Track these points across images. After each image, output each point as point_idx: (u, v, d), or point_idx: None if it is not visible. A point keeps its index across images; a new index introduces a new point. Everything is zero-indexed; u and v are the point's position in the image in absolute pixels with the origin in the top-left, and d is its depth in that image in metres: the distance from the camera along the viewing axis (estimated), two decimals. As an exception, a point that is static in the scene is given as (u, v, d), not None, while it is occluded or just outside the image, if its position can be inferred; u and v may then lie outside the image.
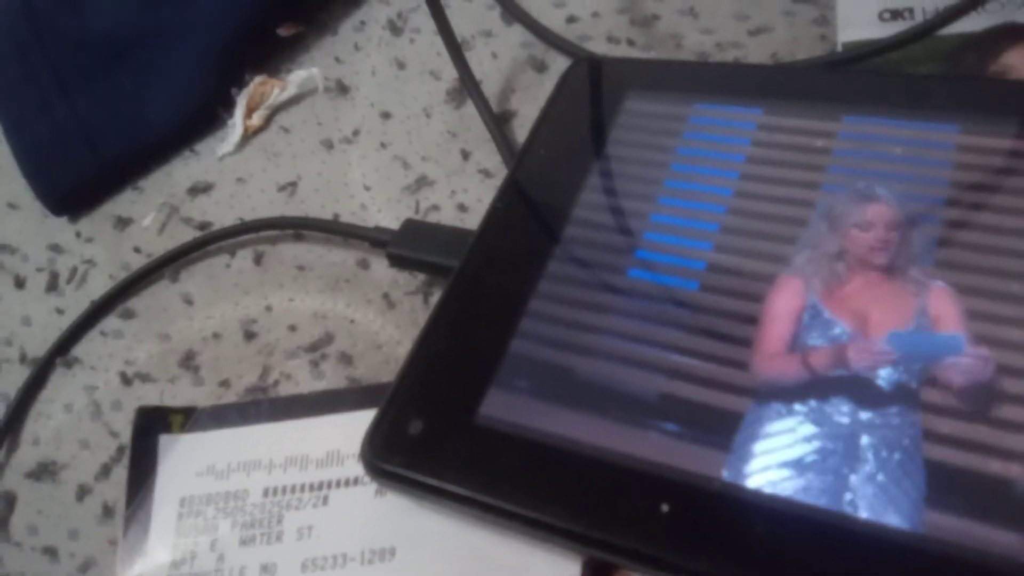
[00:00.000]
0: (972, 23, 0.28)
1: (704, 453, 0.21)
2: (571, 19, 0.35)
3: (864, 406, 0.21)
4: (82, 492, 0.28)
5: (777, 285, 0.23)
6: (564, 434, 0.22)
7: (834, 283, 0.23)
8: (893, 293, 0.23)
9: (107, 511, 0.27)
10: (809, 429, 0.21)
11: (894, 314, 0.22)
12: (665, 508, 0.20)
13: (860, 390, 0.21)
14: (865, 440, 0.20)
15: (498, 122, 0.32)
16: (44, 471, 0.29)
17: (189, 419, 0.27)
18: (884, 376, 0.21)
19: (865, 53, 0.29)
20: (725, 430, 0.21)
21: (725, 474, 0.21)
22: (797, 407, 0.21)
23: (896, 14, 0.30)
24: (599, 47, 0.34)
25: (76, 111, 0.36)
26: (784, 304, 0.23)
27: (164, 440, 0.27)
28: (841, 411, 0.21)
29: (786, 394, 0.21)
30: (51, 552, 0.27)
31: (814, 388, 0.21)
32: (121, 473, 0.27)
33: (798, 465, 0.20)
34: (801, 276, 0.23)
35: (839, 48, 0.30)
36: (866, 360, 0.21)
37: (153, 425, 0.27)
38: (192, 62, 0.36)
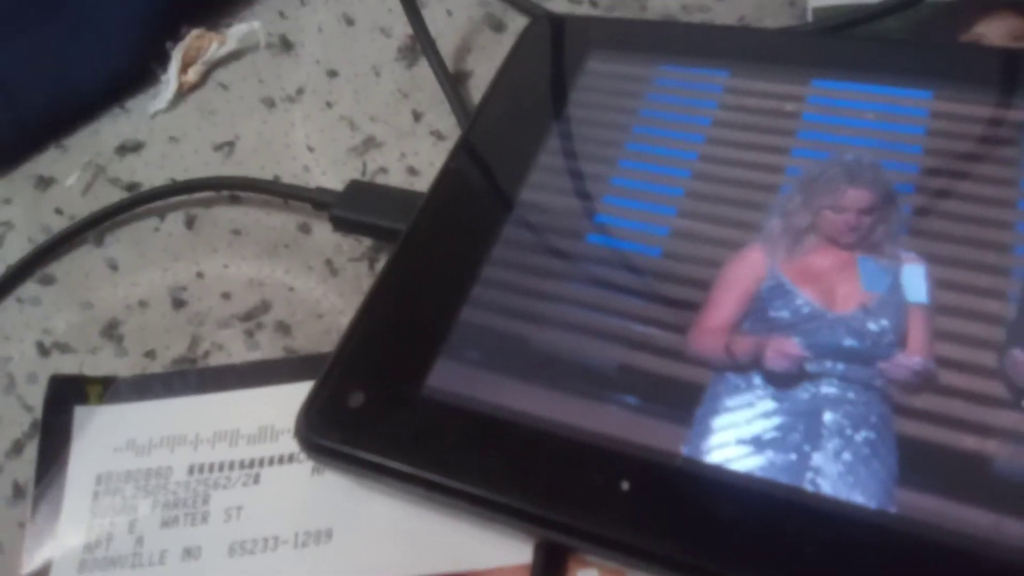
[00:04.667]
0: (944, -9, 0.27)
1: (667, 428, 0.20)
2: (531, -23, 0.33)
3: (828, 380, 0.20)
4: (-10, 471, 0.26)
5: (736, 256, 0.22)
6: (517, 408, 0.21)
7: (799, 253, 0.22)
8: (865, 265, 0.22)
9: (18, 491, 0.25)
10: (771, 404, 0.20)
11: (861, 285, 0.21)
12: (625, 486, 0.19)
13: (824, 363, 0.20)
14: (829, 416, 0.19)
15: (453, 82, 0.30)
16: (-51, 448, 0.26)
17: (108, 390, 0.25)
18: (849, 348, 0.20)
19: (844, 22, 0.28)
20: (687, 404, 0.20)
21: (687, 450, 0.19)
22: (758, 381, 0.20)
23: (868, -20, 0.29)
24: (560, 7, 0.32)
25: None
26: (737, 277, 0.22)
27: (80, 412, 0.25)
28: (804, 386, 0.20)
29: (746, 367, 0.20)
30: (-47, 536, 0.25)
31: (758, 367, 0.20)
32: (34, 451, 0.25)
33: (762, 442, 0.19)
34: (763, 246, 0.22)
35: (809, 14, 0.29)
36: (781, 362, 0.20)
37: (68, 395, 0.25)
38: (125, 14, 0.34)
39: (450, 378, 0.21)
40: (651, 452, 0.19)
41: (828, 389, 0.20)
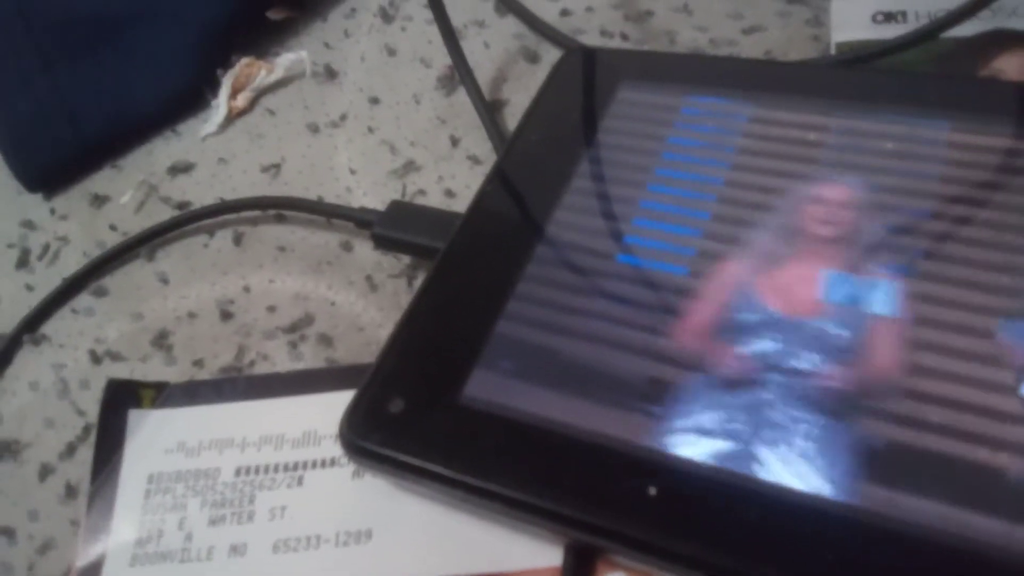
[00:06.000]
0: (963, 28, 0.28)
1: (692, 437, 0.21)
2: (565, 12, 0.35)
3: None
4: (45, 471, 0.27)
5: (717, 267, 0.24)
6: (550, 416, 0.22)
7: (769, 265, 0.23)
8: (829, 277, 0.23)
9: (70, 491, 0.26)
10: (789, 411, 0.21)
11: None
12: (653, 491, 0.20)
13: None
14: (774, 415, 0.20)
15: (489, 110, 0.32)
16: (6, 450, 0.27)
17: (160, 394, 0.26)
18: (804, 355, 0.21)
19: (865, 55, 0.29)
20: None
21: (711, 459, 0.20)
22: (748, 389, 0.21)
23: (889, 16, 0.30)
24: (592, 40, 0.34)
25: (58, 88, 0.35)
26: (716, 286, 0.23)
27: (133, 415, 0.26)
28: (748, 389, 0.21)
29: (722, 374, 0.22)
30: (8, 533, 0.26)
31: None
32: (86, 453, 0.26)
33: (782, 449, 0.20)
34: (739, 257, 0.24)
35: (832, 48, 0.30)
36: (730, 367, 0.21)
37: (123, 399, 0.26)
38: (179, 43, 0.35)
39: (486, 387, 0.22)
40: (677, 459, 0.20)
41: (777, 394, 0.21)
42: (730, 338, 0.22)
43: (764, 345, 0.22)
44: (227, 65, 0.35)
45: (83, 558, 0.24)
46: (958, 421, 0.20)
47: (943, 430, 0.20)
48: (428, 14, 0.33)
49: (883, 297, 0.22)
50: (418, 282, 0.29)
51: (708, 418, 0.21)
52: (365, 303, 0.29)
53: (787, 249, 0.24)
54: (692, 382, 0.22)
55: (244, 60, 0.35)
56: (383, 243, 0.28)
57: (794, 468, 0.20)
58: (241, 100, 0.35)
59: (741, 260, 0.24)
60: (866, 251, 0.23)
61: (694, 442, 0.21)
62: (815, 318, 0.22)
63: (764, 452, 0.20)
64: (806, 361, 0.21)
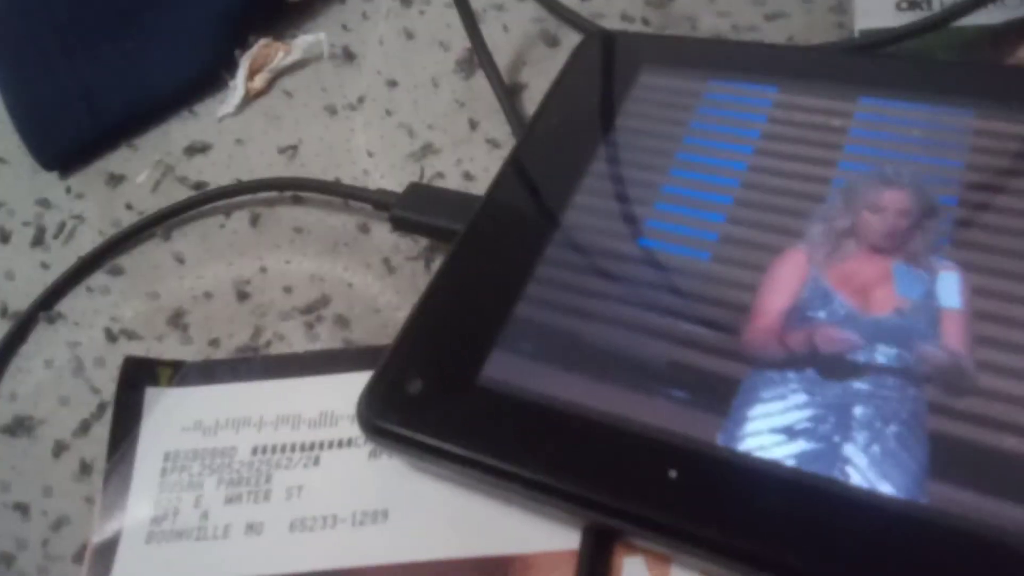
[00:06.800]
0: (989, 16, 0.28)
1: (714, 421, 0.21)
2: (585, -4, 0.35)
3: (862, 377, 0.21)
4: (59, 448, 0.27)
5: (782, 257, 0.23)
6: (568, 398, 0.21)
7: (838, 257, 0.23)
8: (900, 271, 0.23)
9: (84, 468, 0.26)
10: (804, 398, 0.20)
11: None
12: (673, 474, 0.20)
13: (857, 362, 0.21)
14: (859, 410, 0.20)
15: (508, 93, 0.31)
16: (20, 426, 0.27)
17: (178, 373, 0.26)
18: (882, 349, 0.21)
19: (884, 39, 0.28)
20: (734, 398, 0.21)
21: (731, 442, 0.20)
22: (797, 377, 0.21)
23: (913, 4, 0.30)
24: (613, 25, 0.33)
25: (77, 71, 0.35)
26: (783, 278, 0.23)
27: (151, 393, 0.26)
28: (840, 381, 0.21)
29: (785, 364, 0.21)
30: (22, 508, 0.26)
31: (812, 359, 0.21)
32: (100, 431, 0.27)
33: (804, 434, 0.20)
34: (806, 249, 0.23)
35: (856, 35, 0.30)
36: (831, 346, 0.21)
37: (140, 377, 0.26)
38: (198, 26, 0.35)
39: (505, 369, 0.22)
40: (698, 443, 0.20)
41: (863, 384, 0.20)
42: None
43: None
44: (245, 46, 0.35)
45: (99, 535, 0.24)
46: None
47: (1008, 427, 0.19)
48: (447, -3, 0.33)
49: (950, 290, 0.22)
50: (436, 264, 0.28)
51: (735, 403, 0.21)
52: (382, 285, 0.29)
53: (848, 242, 0.23)
54: (717, 367, 0.22)
55: (262, 41, 0.35)
56: (401, 225, 0.28)
57: (827, 457, 0.20)
58: (259, 81, 0.35)
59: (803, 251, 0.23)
60: (921, 243, 0.23)
61: (716, 426, 0.20)
62: (890, 314, 0.22)
63: (799, 440, 0.20)
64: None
